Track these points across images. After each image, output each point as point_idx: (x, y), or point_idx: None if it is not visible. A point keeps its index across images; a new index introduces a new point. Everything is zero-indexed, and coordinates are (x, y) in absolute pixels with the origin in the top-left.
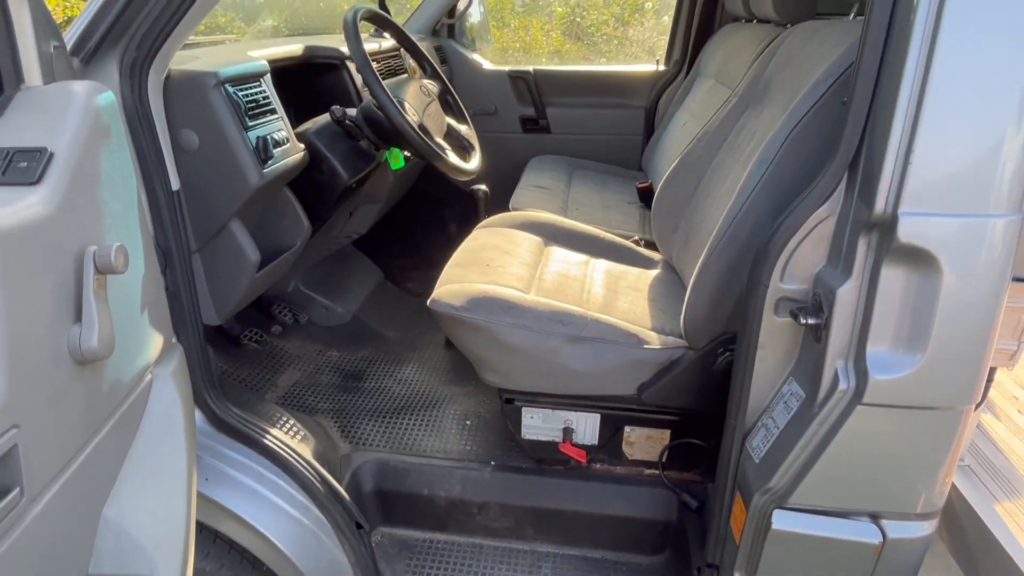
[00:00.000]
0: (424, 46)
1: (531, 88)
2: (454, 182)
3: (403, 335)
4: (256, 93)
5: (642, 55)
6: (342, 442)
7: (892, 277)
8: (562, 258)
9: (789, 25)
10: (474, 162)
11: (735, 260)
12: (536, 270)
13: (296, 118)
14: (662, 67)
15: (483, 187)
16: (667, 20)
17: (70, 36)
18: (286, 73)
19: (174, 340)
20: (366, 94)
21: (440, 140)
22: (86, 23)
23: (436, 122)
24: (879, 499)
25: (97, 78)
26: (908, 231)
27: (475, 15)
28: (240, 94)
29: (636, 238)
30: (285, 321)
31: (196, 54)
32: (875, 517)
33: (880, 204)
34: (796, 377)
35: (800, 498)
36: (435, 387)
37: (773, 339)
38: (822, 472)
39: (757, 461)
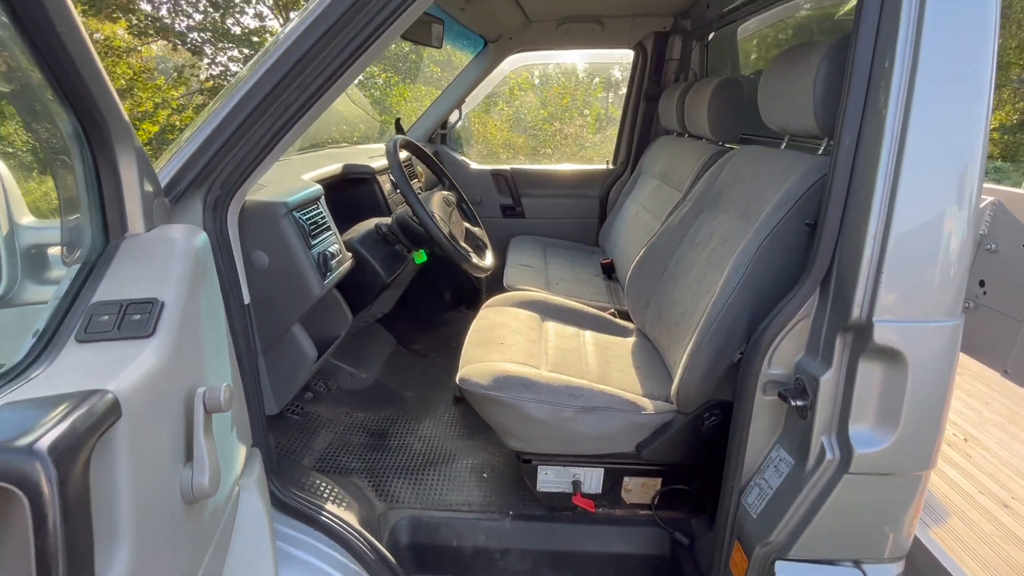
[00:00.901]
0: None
1: (509, 182)
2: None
3: (417, 394)
4: (315, 215)
5: (574, 147)
6: (378, 501)
7: (868, 369)
8: (558, 332)
9: (721, 143)
10: (488, 259)
11: (721, 346)
12: (541, 345)
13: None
14: (611, 166)
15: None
16: (591, 119)
17: (160, 179)
18: (328, 186)
19: (251, 444)
20: (398, 204)
21: (463, 244)
22: (178, 168)
23: (458, 228)
24: (861, 548)
25: (184, 215)
26: (882, 335)
27: (461, 125)
28: (304, 218)
29: (611, 310)
30: (319, 391)
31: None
32: (857, 563)
33: (856, 312)
34: (783, 445)
35: (797, 551)
36: (450, 442)
37: (761, 413)
38: (815, 529)
39: (755, 516)
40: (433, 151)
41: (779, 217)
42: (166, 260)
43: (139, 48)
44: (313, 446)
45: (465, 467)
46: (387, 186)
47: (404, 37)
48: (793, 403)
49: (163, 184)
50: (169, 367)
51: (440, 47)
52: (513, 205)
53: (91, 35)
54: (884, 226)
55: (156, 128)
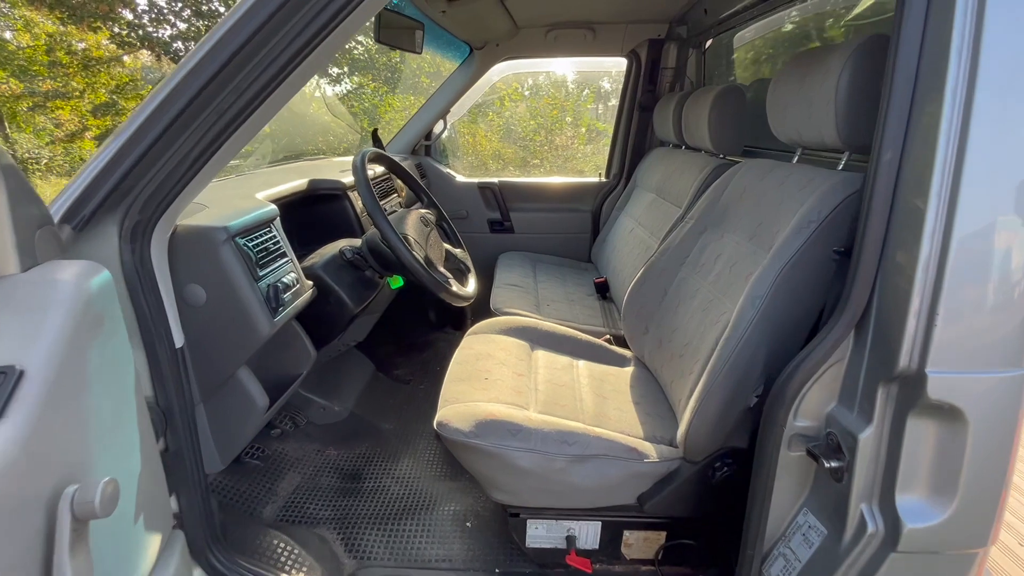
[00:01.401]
0: (406, 165)
1: (497, 196)
2: None
3: (396, 426)
4: (266, 240)
5: (563, 157)
6: (347, 559)
7: (918, 428)
8: (549, 363)
9: (722, 156)
10: (471, 286)
11: (735, 388)
12: (530, 379)
13: (300, 243)
14: (604, 179)
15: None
16: (583, 131)
17: (60, 204)
18: (291, 204)
19: (173, 526)
20: (370, 226)
21: (442, 269)
22: (81, 189)
23: (437, 251)
24: None
25: (92, 244)
26: (938, 389)
27: (447, 136)
28: (250, 245)
29: (607, 336)
30: (285, 428)
31: (201, 199)
32: None
33: (903, 361)
34: (813, 510)
35: None
36: (430, 483)
37: (786, 471)
38: None
39: None
40: (416, 163)
41: (800, 242)
42: (39, 311)
43: (123, 58)
44: (277, 491)
45: (447, 514)
46: (360, 203)
47: (381, 41)
48: (826, 464)
49: (64, 208)
50: (21, 462)
51: (419, 52)
52: (501, 220)
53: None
54: (939, 257)
55: None
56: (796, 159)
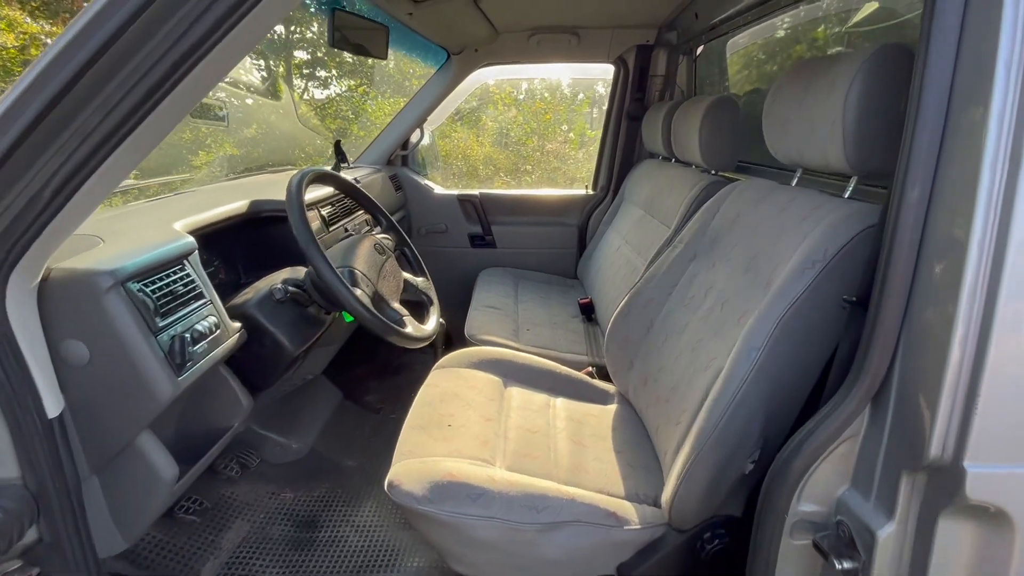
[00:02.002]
0: (379, 176)
1: (478, 209)
2: None
3: (362, 462)
4: (174, 281)
5: (556, 162)
6: None
7: (953, 531)
8: (523, 402)
9: (714, 172)
10: (431, 323)
11: (727, 455)
12: (499, 425)
13: (246, 271)
14: (591, 192)
15: (440, 319)
16: (573, 136)
17: None
18: (233, 228)
19: None
20: (331, 244)
21: (396, 306)
22: None
23: (392, 283)
24: None
25: None
26: (979, 488)
27: (426, 145)
28: (150, 289)
29: (589, 369)
30: (231, 474)
31: (101, 230)
32: None
33: (934, 449)
34: None
35: None
36: (393, 533)
37: (788, 562)
38: None
39: None
40: (391, 175)
41: (802, 286)
42: None
43: None
44: (220, 545)
45: (409, 571)
46: (314, 224)
47: (335, 46)
48: (838, 565)
49: None
50: None
51: (384, 58)
52: (482, 234)
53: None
54: (982, 317)
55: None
56: (796, 181)
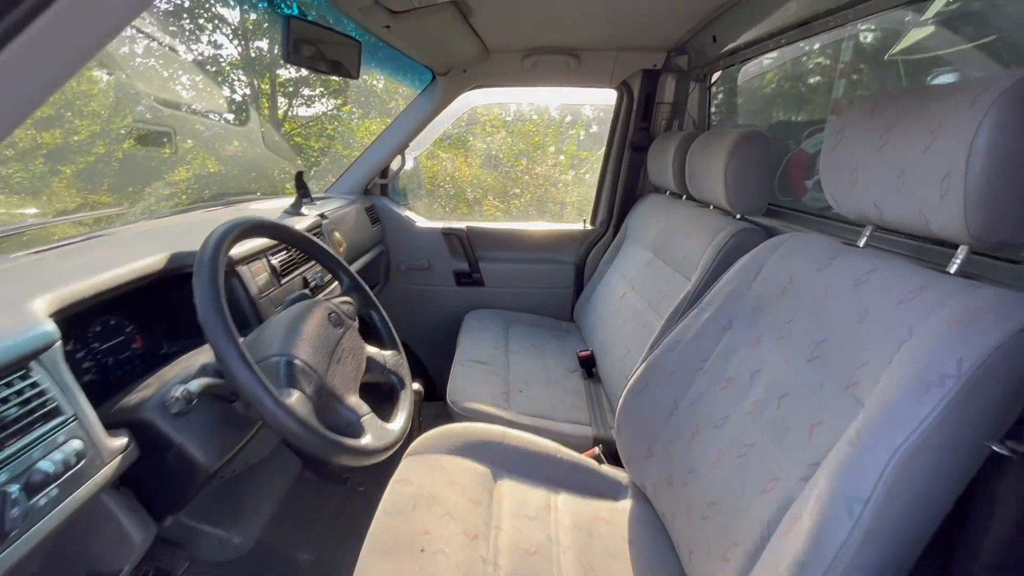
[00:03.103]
0: (353, 208)
1: (464, 244)
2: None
3: (321, 554)
4: (4, 402)
5: (545, 184)
6: None
7: None
8: (517, 505)
9: (739, 216)
10: (398, 421)
11: None
12: (488, 544)
13: (169, 338)
14: (589, 226)
15: (416, 385)
16: (563, 159)
17: None
18: (143, 289)
19: None
20: (277, 304)
21: (352, 401)
22: None
23: (349, 367)
24: None
25: None
26: None
27: (408, 172)
28: None
29: (595, 451)
30: None
31: None
32: None
33: None
34: None
35: None
36: None
37: None
38: None
39: None
40: (368, 206)
41: (927, 408)
42: None
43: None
44: None
45: None
46: (261, 277)
47: (290, 61)
48: None
49: None
50: None
51: (355, 77)
52: (469, 271)
53: None
54: None
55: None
56: (864, 240)
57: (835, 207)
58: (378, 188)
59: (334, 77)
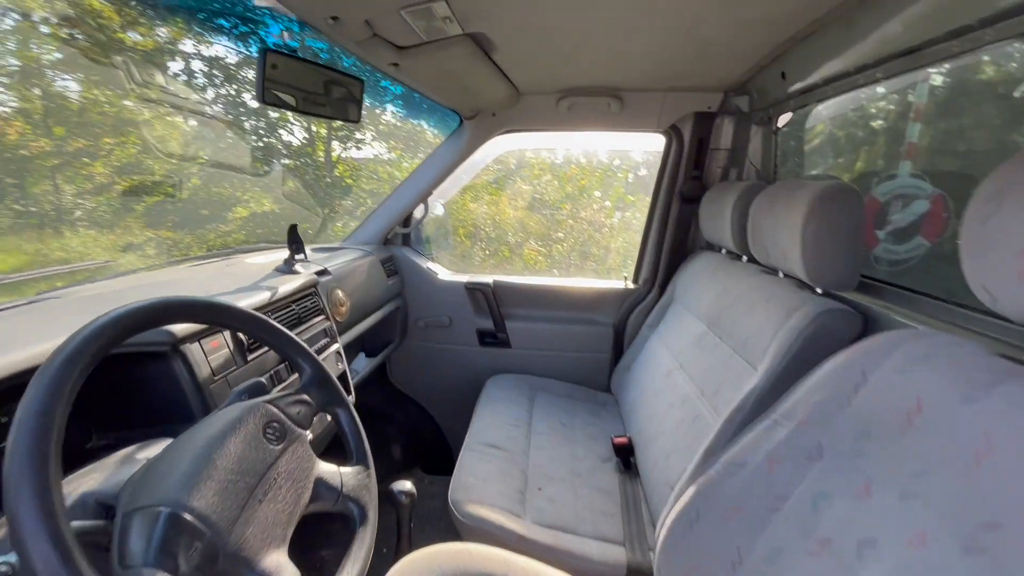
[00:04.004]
0: (366, 261)
1: (489, 300)
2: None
3: None
4: None
5: (589, 229)
6: None
7: None
8: None
9: (818, 290)
10: (353, 569)
11: None
12: None
13: (99, 428)
14: (631, 285)
15: (407, 486)
16: (609, 205)
17: None
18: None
19: None
20: (220, 398)
21: (266, 565)
22: None
23: (279, 507)
24: None
25: None
26: None
27: (435, 220)
28: None
29: None
30: None
31: None
32: None
33: None
34: None
35: None
36: None
37: None
38: None
39: None
40: (385, 257)
41: None
42: None
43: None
44: None
45: None
46: (218, 356)
47: (269, 102)
48: None
49: None
50: None
51: (356, 120)
52: (494, 330)
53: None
54: None
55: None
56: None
57: (991, 304)
58: (400, 238)
59: (385, 122)
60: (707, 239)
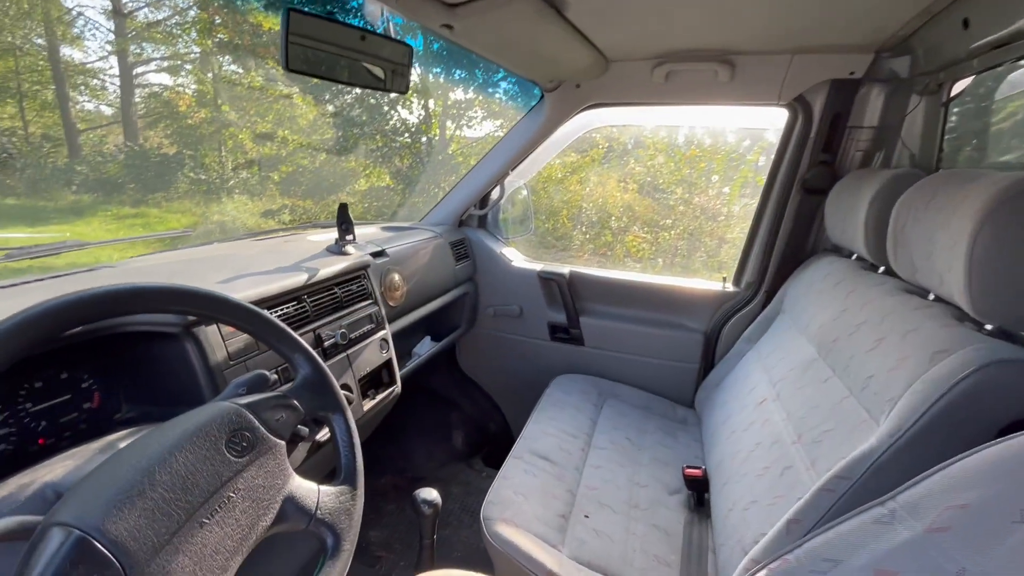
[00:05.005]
0: (432, 244)
1: (563, 292)
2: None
3: None
4: None
5: (702, 217)
6: None
7: None
8: None
9: (987, 327)
10: None
11: None
12: None
13: (129, 398)
14: (729, 287)
15: (432, 494)
16: (728, 190)
17: None
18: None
19: None
20: (238, 374)
21: None
22: None
23: (227, 531)
24: None
25: None
26: None
27: (517, 202)
28: None
29: None
30: None
31: None
32: None
33: None
34: None
35: None
36: None
37: None
38: None
39: None
40: (456, 240)
41: None
42: None
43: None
44: None
45: None
46: (238, 340)
47: (295, 69)
48: None
49: None
50: None
51: (404, 91)
52: (566, 325)
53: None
54: None
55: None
56: None
57: None
58: (476, 219)
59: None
60: (833, 240)
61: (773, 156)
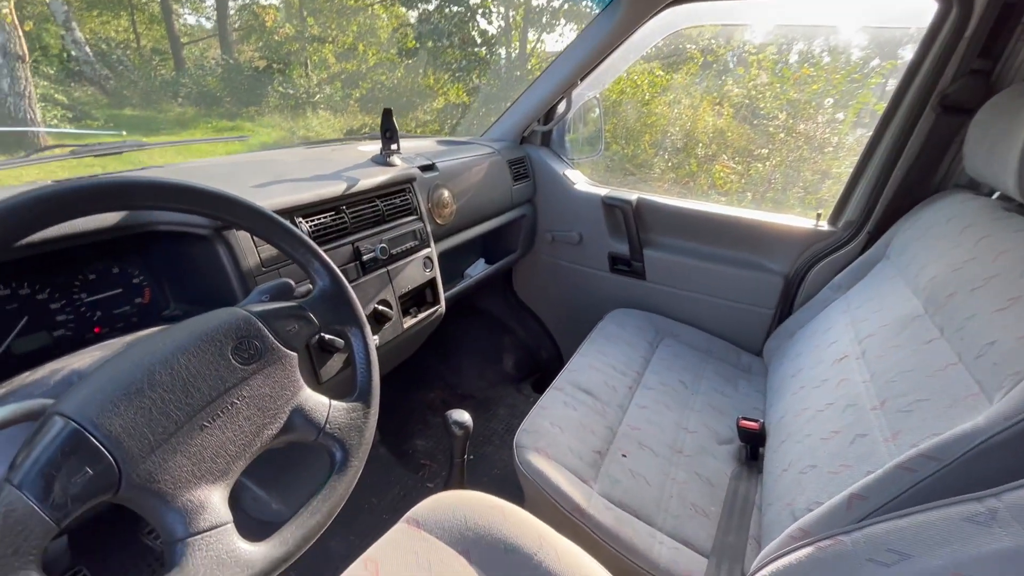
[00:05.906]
0: (489, 162)
1: (628, 220)
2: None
3: (351, 545)
4: None
5: (807, 147)
6: None
7: None
8: None
9: None
10: (282, 538)
11: None
12: None
13: (175, 296)
14: (823, 225)
15: (464, 416)
16: (843, 116)
17: None
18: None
19: None
20: (269, 277)
21: (184, 502)
22: None
23: (228, 436)
24: None
25: None
26: None
27: (588, 119)
28: None
29: None
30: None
31: None
32: None
33: None
34: None
35: None
36: None
37: None
38: None
39: None
40: (515, 158)
41: None
42: None
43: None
44: None
45: None
46: (270, 248)
47: None
48: None
49: None
50: None
51: None
52: (628, 257)
53: None
54: None
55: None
56: None
57: None
58: (539, 136)
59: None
60: (971, 173)
61: (904, 71)
